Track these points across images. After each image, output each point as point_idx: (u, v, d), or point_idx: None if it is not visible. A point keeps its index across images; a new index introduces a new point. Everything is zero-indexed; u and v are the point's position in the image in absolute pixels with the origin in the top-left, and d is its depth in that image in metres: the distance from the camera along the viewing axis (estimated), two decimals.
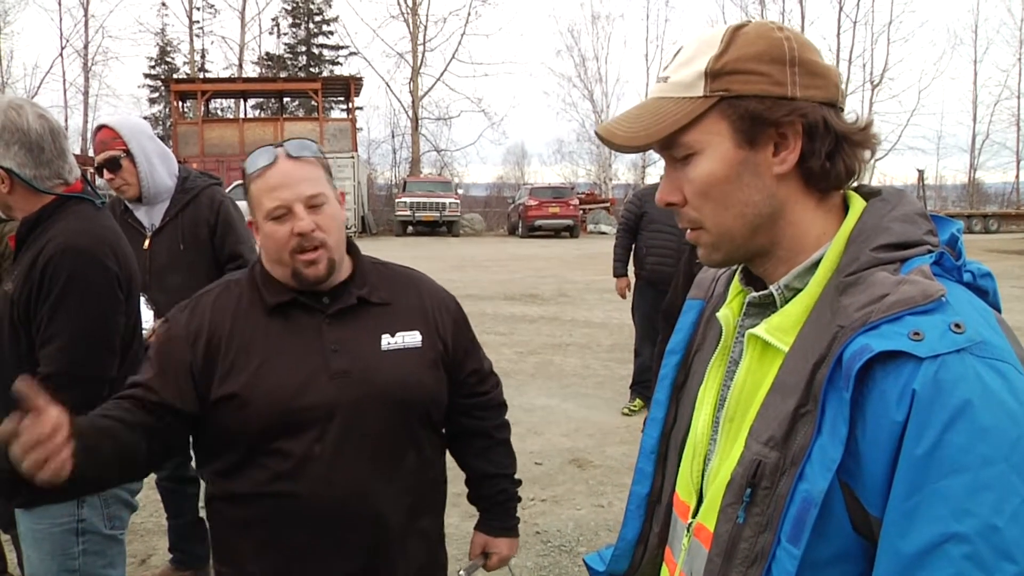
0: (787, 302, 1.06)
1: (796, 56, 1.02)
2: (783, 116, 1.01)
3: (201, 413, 1.81)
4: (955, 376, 0.87)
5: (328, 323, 1.86)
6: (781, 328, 1.04)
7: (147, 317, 3.35)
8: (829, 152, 1.03)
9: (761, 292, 1.11)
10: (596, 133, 1.10)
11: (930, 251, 1.00)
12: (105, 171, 3.43)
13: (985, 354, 0.89)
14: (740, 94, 1.02)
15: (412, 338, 1.92)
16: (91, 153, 3.50)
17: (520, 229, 30.16)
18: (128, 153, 3.40)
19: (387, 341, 1.89)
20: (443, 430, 2.08)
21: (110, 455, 1.69)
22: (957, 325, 0.90)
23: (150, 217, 3.56)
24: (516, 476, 2.20)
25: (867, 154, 1.07)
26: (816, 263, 1.05)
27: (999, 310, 1.03)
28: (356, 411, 1.80)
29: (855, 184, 1.12)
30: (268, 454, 1.79)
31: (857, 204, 1.08)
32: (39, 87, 42.93)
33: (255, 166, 1.84)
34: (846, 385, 0.91)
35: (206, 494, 1.95)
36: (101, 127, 3.45)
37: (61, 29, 44.04)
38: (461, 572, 2.11)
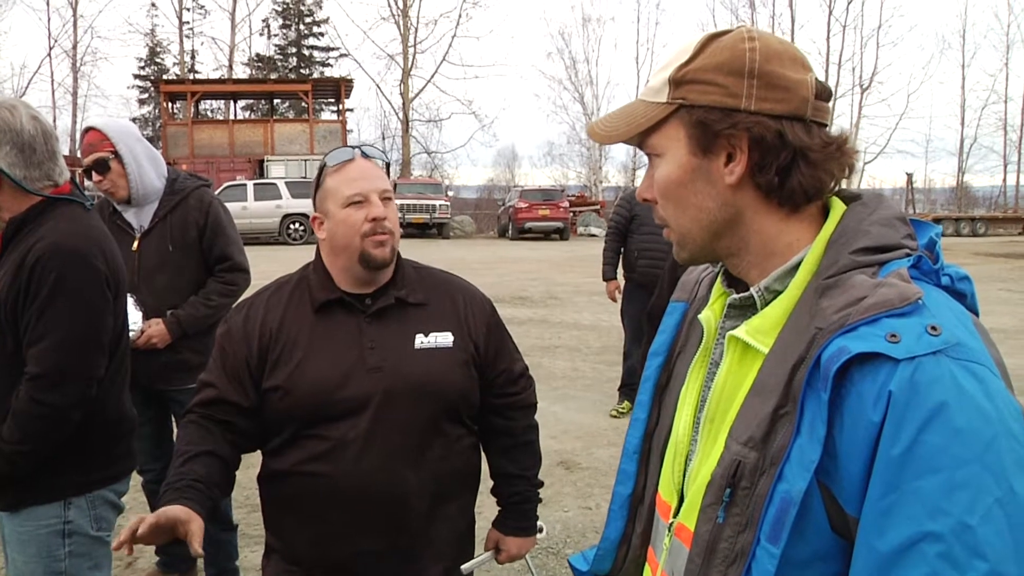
0: (767, 304, 1.08)
1: (757, 68, 1.03)
2: (727, 128, 1.04)
3: (258, 406, 2.02)
4: (931, 378, 0.88)
5: (368, 322, 2.03)
6: (761, 330, 1.05)
7: (135, 318, 3.34)
8: (783, 167, 1.04)
9: (742, 294, 1.12)
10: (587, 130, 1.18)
11: (908, 255, 1.01)
12: (94, 173, 3.42)
13: (961, 356, 0.90)
14: (695, 103, 1.05)
15: (444, 338, 2.06)
16: (79, 155, 3.48)
17: (510, 231, 30.14)
18: (116, 155, 3.39)
19: (420, 340, 2.04)
20: (475, 427, 2.20)
21: (220, 494, 1.96)
22: (933, 328, 0.91)
23: (139, 218, 3.55)
24: (538, 478, 2.29)
25: (838, 170, 1.07)
26: (796, 266, 1.06)
27: (977, 313, 1.05)
28: (387, 403, 1.96)
29: (836, 188, 1.14)
30: (308, 438, 1.98)
31: (837, 208, 1.09)
32: (27, 87, 42.86)
33: (335, 160, 2.04)
34: (824, 386, 0.92)
35: (259, 473, 2.11)
36: (89, 129, 3.43)
37: (49, 29, 43.97)
38: (464, 567, 2.17)
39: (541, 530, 2.34)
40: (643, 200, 1.16)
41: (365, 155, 2.06)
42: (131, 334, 3.18)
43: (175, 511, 1.75)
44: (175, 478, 1.90)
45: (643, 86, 1.18)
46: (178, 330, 3.49)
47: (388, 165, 2.14)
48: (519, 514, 2.27)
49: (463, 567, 2.16)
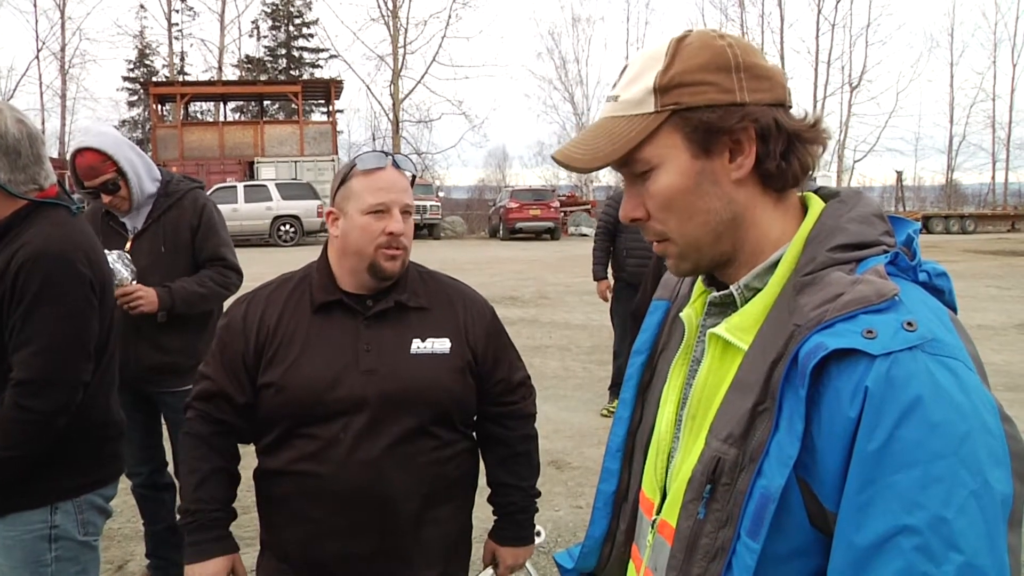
0: (747, 302, 1.08)
1: (740, 62, 1.04)
2: (736, 123, 1.03)
3: (254, 401, 2.05)
4: (907, 373, 0.89)
5: (366, 324, 2.04)
6: (741, 327, 1.06)
7: (124, 274, 3.32)
8: (783, 152, 1.05)
9: (722, 292, 1.13)
10: (553, 158, 1.11)
11: (886, 251, 1.02)
12: (102, 195, 3.41)
13: (936, 351, 0.91)
14: (691, 105, 1.04)
15: (441, 344, 2.06)
16: (67, 157, 3.44)
17: (501, 232, 30.15)
18: (120, 172, 3.38)
19: (417, 345, 2.04)
20: (472, 433, 2.20)
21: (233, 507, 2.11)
22: (909, 323, 0.92)
23: (133, 220, 3.55)
24: (535, 488, 2.28)
25: (819, 150, 1.09)
26: (775, 263, 1.07)
27: (955, 309, 1.06)
28: (379, 405, 1.97)
29: (816, 187, 1.15)
30: (299, 437, 2.00)
31: (816, 205, 1.10)
32: (15, 90, 42.52)
33: (367, 164, 2.03)
34: (801, 383, 0.93)
35: (254, 471, 2.12)
36: (85, 149, 3.37)
37: (37, 31, 43.57)
38: None
39: (539, 535, 2.32)
40: (631, 221, 1.12)
41: (396, 165, 2.05)
42: (121, 283, 3.19)
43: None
44: (195, 507, 2.01)
45: (604, 103, 1.14)
46: (168, 300, 3.44)
47: (415, 177, 2.14)
48: (514, 524, 2.26)
49: None
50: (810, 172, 1.09)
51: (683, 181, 1.06)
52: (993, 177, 50.09)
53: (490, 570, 2.25)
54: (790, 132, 1.05)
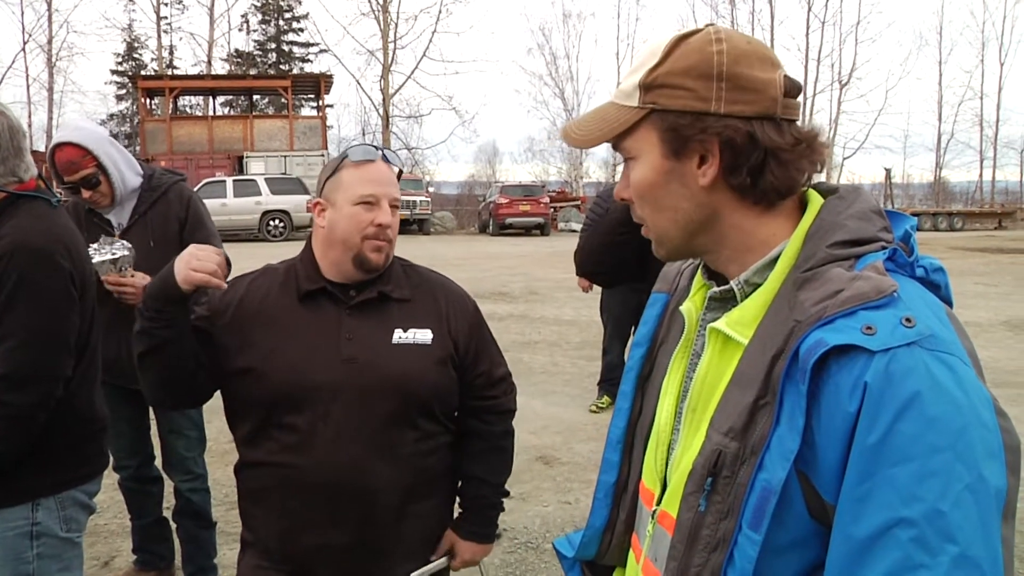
0: (747, 296, 1.10)
1: (725, 71, 1.04)
2: (697, 133, 1.05)
3: (209, 340, 2.06)
4: (905, 368, 0.90)
5: (348, 313, 2.05)
6: (741, 322, 1.07)
7: (121, 251, 3.28)
8: (755, 168, 1.05)
9: (722, 287, 1.14)
10: (561, 132, 1.18)
11: (884, 247, 1.03)
12: (83, 190, 3.38)
13: (934, 347, 0.92)
14: (665, 108, 1.07)
15: (423, 335, 2.07)
16: (59, 172, 3.37)
17: (491, 227, 30.15)
18: (100, 167, 3.35)
19: (398, 335, 2.06)
20: (454, 428, 2.19)
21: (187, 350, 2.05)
22: (908, 319, 0.93)
23: (118, 216, 3.52)
24: (505, 487, 2.27)
25: (810, 166, 1.09)
26: (775, 259, 1.08)
27: (951, 304, 1.07)
28: (358, 395, 1.98)
29: (814, 182, 1.15)
30: (278, 427, 2.00)
31: (815, 202, 1.11)
32: (0, 82, 42.22)
33: (359, 156, 2.06)
34: (802, 378, 0.94)
35: (235, 465, 2.13)
36: (64, 144, 3.33)
37: (23, 23, 43.23)
38: (414, 575, 2.08)
39: (499, 536, 2.29)
40: (620, 200, 1.18)
41: (386, 159, 2.09)
42: (109, 259, 3.14)
43: None
44: None
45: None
46: None
47: (400, 172, 2.17)
48: (480, 519, 2.23)
49: (412, 574, 2.07)
50: (795, 188, 1.09)
51: (653, 176, 1.10)
52: (981, 175, 50.49)
53: (443, 560, 2.18)
54: (768, 148, 1.05)
